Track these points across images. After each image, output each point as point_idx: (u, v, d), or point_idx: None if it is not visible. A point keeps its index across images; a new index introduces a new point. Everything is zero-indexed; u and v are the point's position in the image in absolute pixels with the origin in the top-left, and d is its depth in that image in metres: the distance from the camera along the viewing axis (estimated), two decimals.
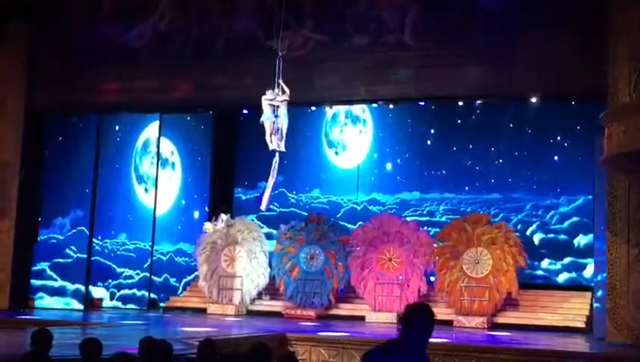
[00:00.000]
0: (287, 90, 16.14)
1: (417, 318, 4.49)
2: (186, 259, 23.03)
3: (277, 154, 16.52)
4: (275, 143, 16.25)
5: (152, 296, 21.81)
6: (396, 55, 17.25)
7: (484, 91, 17.83)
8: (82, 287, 20.43)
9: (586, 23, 15.69)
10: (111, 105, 20.40)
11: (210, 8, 17.93)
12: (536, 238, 20.69)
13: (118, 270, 21.53)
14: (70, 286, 20.38)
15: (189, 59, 18.63)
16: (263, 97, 16.08)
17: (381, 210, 21.73)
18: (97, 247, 21.26)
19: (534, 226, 20.70)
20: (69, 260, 20.44)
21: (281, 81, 16.31)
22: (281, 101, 16.24)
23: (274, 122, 16.11)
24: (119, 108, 20.77)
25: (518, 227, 20.51)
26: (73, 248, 20.47)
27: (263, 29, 17.39)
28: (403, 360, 4.38)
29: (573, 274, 19.84)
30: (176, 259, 23.03)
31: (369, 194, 22.41)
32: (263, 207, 17.72)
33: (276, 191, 19.95)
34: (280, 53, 15.67)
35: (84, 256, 20.44)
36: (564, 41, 15.97)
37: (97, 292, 21.35)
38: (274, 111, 16.12)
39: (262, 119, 16.25)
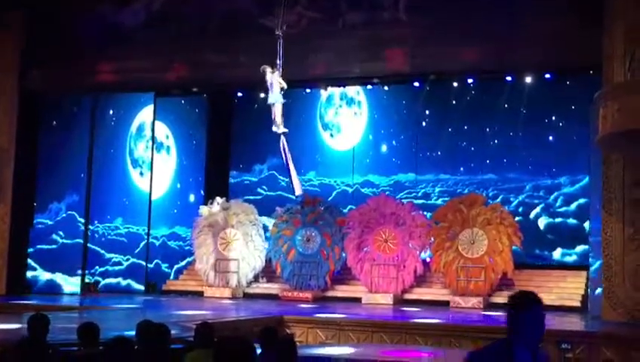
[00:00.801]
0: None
1: (524, 310, 3.76)
2: (180, 243, 23.00)
3: (282, 137, 16.55)
4: (283, 125, 16.26)
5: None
6: (391, 32, 17.21)
7: (479, 67, 17.83)
8: (58, 278, 20.23)
9: (583, 2, 15.65)
10: (106, 85, 20.43)
11: None
12: (542, 223, 20.50)
13: (107, 256, 21.32)
14: (43, 277, 20.19)
15: (183, 39, 18.55)
16: (277, 78, 15.95)
17: (374, 193, 21.74)
18: (85, 228, 20.90)
19: (538, 209, 20.52)
20: (54, 246, 20.34)
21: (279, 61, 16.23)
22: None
23: (283, 103, 16.13)
24: (114, 89, 20.79)
25: (520, 210, 20.47)
26: (61, 233, 20.43)
27: (258, 7, 17.31)
28: (522, 357, 3.71)
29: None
30: (169, 243, 22.93)
31: (364, 176, 22.41)
32: (298, 192, 17.72)
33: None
34: (279, 33, 15.60)
35: (70, 241, 20.40)
36: (561, 19, 15.99)
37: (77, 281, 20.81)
38: (280, 92, 16.11)
39: (272, 100, 16.13)
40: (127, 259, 21.59)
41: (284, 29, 15.80)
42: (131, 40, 18.85)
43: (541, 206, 20.45)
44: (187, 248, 22.67)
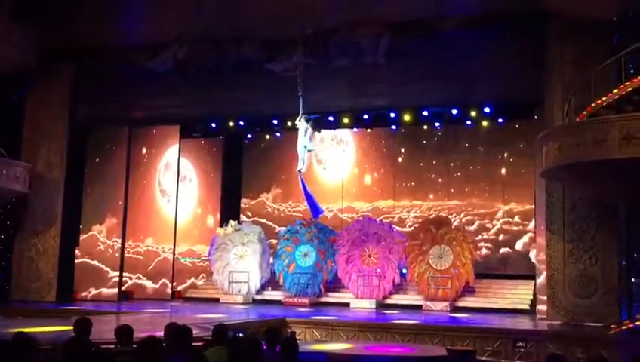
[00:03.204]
0: (303, 120, 16.45)
1: None
2: (194, 259, 22.67)
3: (300, 173, 16.97)
4: (301, 165, 16.69)
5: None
6: (372, 73, 17.25)
7: (444, 101, 17.91)
8: None
9: (528, 54, 15.80)
10: (139, 120, 20.38)
11: (220, 39, 17.94)
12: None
13: (111, 274, 20.24)
14: None
15: (202, 81, 18.56)
16: (310, 129, 16.42)
17: (352, 217, 21.62)
18: (101, 247, 20.14)
19: (526, 238, 19.50)
20: None
21: (301, 113, 16.53)
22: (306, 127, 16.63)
23: (303, 146, 16.51)
24: (146, 122, 20.76)
25: (500, 238, 19.78)
26: (77, 253, 20.09)
27: (264, 54, 17.47)
28: None
29: None
30: (182, 260, 22.29)
31: (351, 203, 22.33)
32: (317, 214, 17.96)
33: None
34: (300, 92, 15.80)
35: (78, 260, 19.95)
36: (511, 75, 16.11)
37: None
38: (305, 137, 16.51)
39: (313, 148, 17.06)
40: (138, 278, 20.93)
41: (302, 91, 16.10)
42: (160, 83, 18.92)
43: (528, 236, 19.35)
44: (199, 264, 22.50)
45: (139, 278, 21.18)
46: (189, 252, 22.80)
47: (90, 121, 20.36)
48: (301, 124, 16.69)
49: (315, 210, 18.31)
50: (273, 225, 22.32)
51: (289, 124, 20.75)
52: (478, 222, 20.35)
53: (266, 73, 17.40)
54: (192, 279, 22.35)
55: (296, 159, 22.45)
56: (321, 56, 17.10)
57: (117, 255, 20.26)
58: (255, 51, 17.41)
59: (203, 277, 22.32)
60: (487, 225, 20.27)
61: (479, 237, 19.98)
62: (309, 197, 18.06)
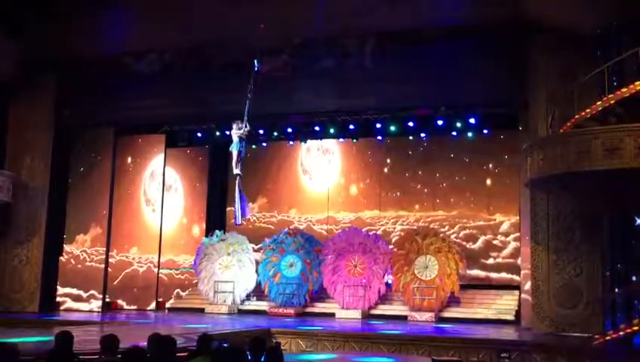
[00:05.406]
0: (248, 126, 16.16)
1: None
2: (173, 271, 22.44)
3: (238, 178, 16.51)
4: (239, 169, 16.31)
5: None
6: (357, 74, 17.25)
7: (428, 104, 17.99)
8: None
9: (512, 65, 15.92)
10: (124, 121, 20.23)
11: (205, 43, 17.89)
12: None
13: (59, 291, 19.63)
14: None
15: (189, 82, 18.49)
16: (233, 131, 16.08)
17: (332, 229, 21.59)
18: (63, 259, 19.73)
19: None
20: None
21: (245, 118, 16.29)
22: (246, 134, 16.29)
23: (240, 151, 16.14)
24: (132, 124, 20.63)
25: (519, 261, 18.51)
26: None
27: (249, 56, 17.43)
28: None
29: None
30: (161, 272, 21.63)
31: (337, 213, 22.33)
32: (238, 221, 17.45)
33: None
34: (249, 95, 15.67)
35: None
36: (494, 77, 16.20)
37: None
38: (240, 142, 16.08)
39: (231, 148, 16.20)
40: (89, 298, 19.67)
41: (251, 95, 16.06)
42: (146, 86, 18.80)
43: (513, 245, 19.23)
44: (178, 276, 22.32)
45: (93, 296, 19.76)
46: (169, 262, 22.61)
47: (74, 127, 20.23)
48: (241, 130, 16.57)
49: (242, 215, 18.00)
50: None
51: (275, 133, 20.80)
52: (482, 238, 20.11)
53: (252, 74, 17.34)
54: (160, 299, 21.64)
55: (283, 169, 22.72)
56: (308, 57, 17.13)
57: (80, 266, 19.89)
58: (241, 55, 17.37)
59: (177, 295, 22.16)
60: (495, 243, 20.02)
61: (490, 261, 19.79)
62: (243, 202, 17.83)
